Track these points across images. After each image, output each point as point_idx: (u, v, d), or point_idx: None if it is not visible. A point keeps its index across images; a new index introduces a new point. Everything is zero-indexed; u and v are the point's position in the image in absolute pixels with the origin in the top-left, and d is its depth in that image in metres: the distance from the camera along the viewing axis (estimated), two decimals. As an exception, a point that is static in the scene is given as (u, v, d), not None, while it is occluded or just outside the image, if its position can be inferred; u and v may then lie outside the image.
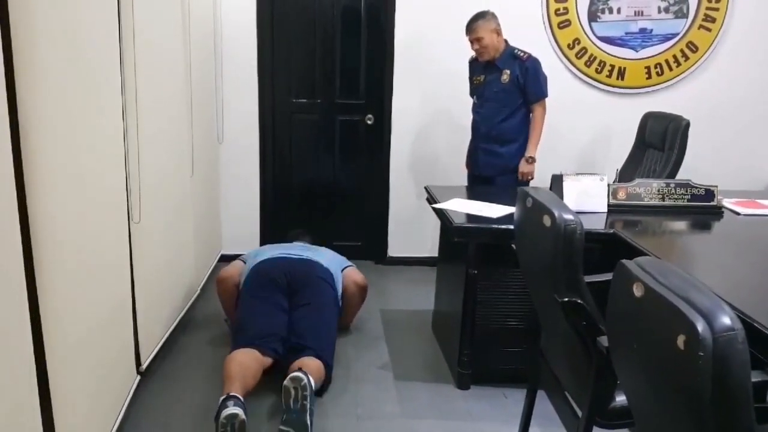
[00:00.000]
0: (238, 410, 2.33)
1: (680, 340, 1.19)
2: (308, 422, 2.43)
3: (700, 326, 1.15)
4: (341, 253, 3.60)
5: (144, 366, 2.77)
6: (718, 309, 1.18)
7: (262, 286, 3.05)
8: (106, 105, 2.28)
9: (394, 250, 4.71)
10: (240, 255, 3.52)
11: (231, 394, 2.43)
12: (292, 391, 2.45)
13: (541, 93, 3.70)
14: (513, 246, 2.35)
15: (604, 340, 1.74)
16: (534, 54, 3.75)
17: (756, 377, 1.64)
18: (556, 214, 1.91)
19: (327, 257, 3.37)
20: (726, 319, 1.16)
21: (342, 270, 3.40)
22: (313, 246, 3.53)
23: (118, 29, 2.37)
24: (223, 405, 2.38)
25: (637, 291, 1.35)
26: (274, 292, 3.02)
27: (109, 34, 2.31)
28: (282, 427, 2.42)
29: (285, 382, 2.47)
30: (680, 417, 1.29)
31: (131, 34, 2.48)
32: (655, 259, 1.46)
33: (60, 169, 1.89)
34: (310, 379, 2.51)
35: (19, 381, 1.66)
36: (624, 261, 1.46)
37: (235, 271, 3.33)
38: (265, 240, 4.50)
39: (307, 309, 2.96)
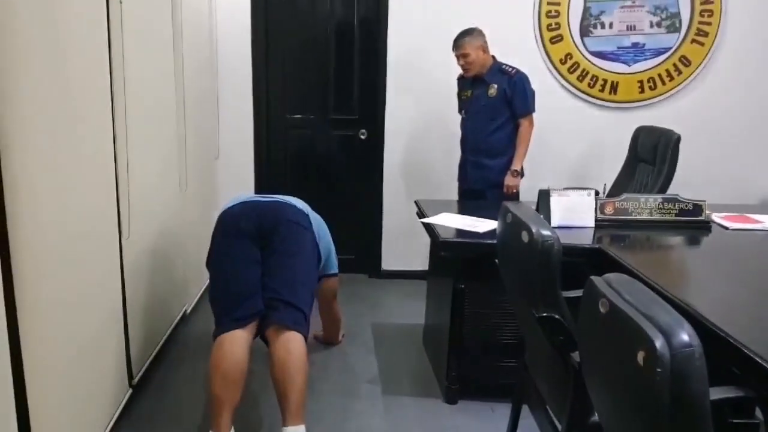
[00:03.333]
0: None
1: (640, 356, 1.20)
2: None
3: (659, 343, 1.16)
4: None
5: (136, 379, 2.78)
6: (678, 326, 1.19)
7: (230, 236, 2.80)
8: (93, 119, 2.31)
9: (388, 263, 4.73)
10: None
11: None
12: None
13: (527, 108, 3.74)
14: (496, 261, 2.37)
15: (577, 356, 1.75)
16: (526, 69, 3.79)
17: (733, 392, 1.65)
18: (534, 230, 1.93)
19: (308, 210, 3.05)
20: (684, 336, 1.17)
21: (323, 276, 3.17)
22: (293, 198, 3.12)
23: (107, 41, 2.40)
24: None
25: (602, 307, 1.37)
26: (243, 243, 2.76)
27: (97, 44, 2.34)
28: None
29: None
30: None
31: (120, 46, 2.50)
32: (623, 276, 1.47)
33: (43, 183, 1.91)
34: None
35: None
36: (593, 277, 1.47)
37: None
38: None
39: (279, 257, 2.73)
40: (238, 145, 4.52)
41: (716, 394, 1.61)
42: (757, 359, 1.59)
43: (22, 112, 1.77)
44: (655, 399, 1.18)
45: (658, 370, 1.15)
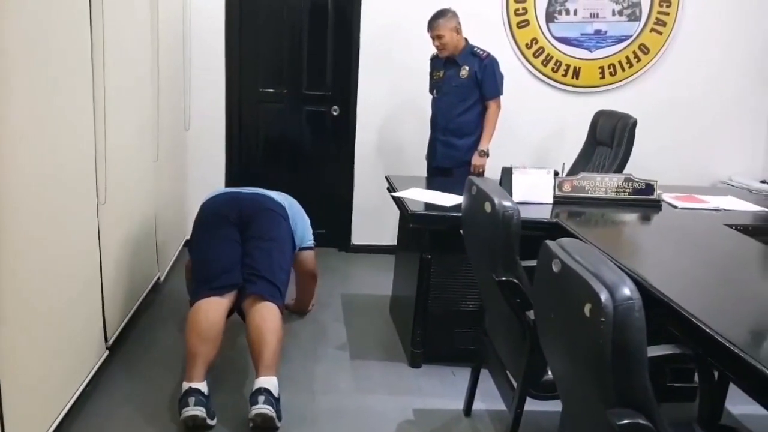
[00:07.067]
0: (198, 411, 2.41)
1: (587, 308, 1.36)
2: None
3: (603, 296, 1.32)
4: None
5: (111, 341, 2.87)
6: (621, 282, 1.35)
7: (212, 222, 2.99)
8: (72, 88, 2.37)
9: (358, 238, 4.85)
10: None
11: (192, 387, 2.45)
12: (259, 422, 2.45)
13: (496, 91, 3.89)
14: (461, 232, 2.52)
15: (532, 314, 1.91)
16: (493, 52, 3.93)
17: (671, 350, 1.82)
18: (496, 201, 2.09)
19: (284, 199, 3.26)
20: (626, 290, 1.33)
21: (299, 249, 3.31)
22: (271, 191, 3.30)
23: (89, 14, 2.46)
24: (184, 402, 2.44)
25: (555, 267, 1.52)
26: (225, 226, 2.95)
27: (79, 19, 2.40)
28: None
29: (251, 416, 2.44)
30: (587, 378, 1.46)
31: (100, 19, 2.56)
32: (574, 240, 1.63)
33: (26, 143, 1.96)
34: (276, 412, 2.48)
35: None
36: (547, 241, 1.63)
37: None
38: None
39: (258, 241, 2.92)
40: (210, 116, 4.56)
41: (657, 351, 1.80)
42: (693, 320, 1.75)
43: (6, 79, 1.82)
44: (600, 347, 1.33)
45: (602, 320, 1.31)
